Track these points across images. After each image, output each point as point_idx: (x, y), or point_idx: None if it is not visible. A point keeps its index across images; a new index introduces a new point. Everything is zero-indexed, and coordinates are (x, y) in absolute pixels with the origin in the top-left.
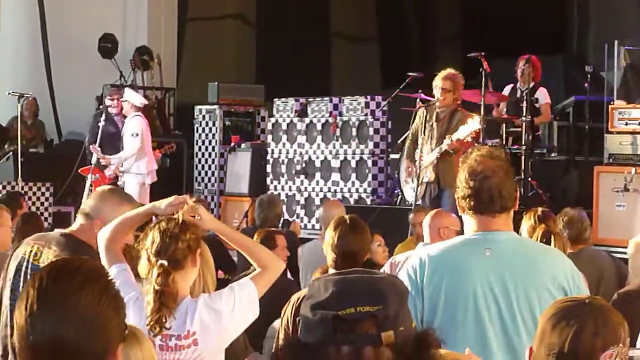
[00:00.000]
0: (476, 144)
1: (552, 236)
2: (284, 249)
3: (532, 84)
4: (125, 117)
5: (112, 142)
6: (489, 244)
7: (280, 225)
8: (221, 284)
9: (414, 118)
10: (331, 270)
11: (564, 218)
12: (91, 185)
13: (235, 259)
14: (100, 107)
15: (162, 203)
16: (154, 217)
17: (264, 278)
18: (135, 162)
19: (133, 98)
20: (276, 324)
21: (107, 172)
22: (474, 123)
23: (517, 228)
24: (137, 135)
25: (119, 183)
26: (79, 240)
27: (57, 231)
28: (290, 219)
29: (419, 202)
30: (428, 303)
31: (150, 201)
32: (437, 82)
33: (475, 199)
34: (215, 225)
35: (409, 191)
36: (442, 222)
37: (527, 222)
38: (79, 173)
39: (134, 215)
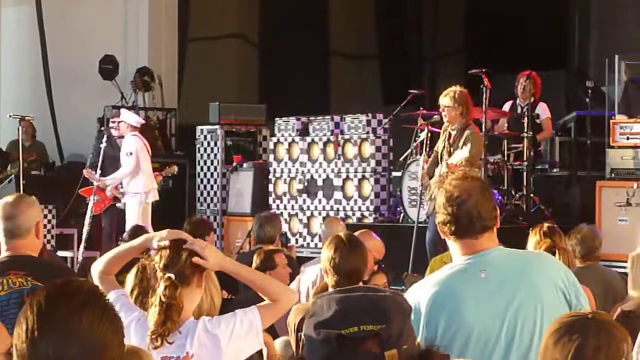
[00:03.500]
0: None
1: (557, 251)
2: (284, 266)
3: (532, 100)
4: (123, 135)
5: (114, 164)
6: (481, 266)
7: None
8: (225, 304)
9: (415, 136)
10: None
11: (578, 235)
12: (92, 207)
13: None
14: (102, 128)
15: (155, 237)
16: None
17: (272, 309)
18: (132, 181)
19: (129, 118)
20: (281, 340)
21: (107, 193)
22: (465, 150)
23: (523, 244)
24: (130, 154)
25: (118, 205)
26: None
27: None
28: (292, 238)
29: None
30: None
31: (152, 221)
32: (440, 101)
33: (456, 224)
34: (221, 265)
35: (425, 205)
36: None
37: (533, 238)
38: (80, 194)
39: (128, 248)
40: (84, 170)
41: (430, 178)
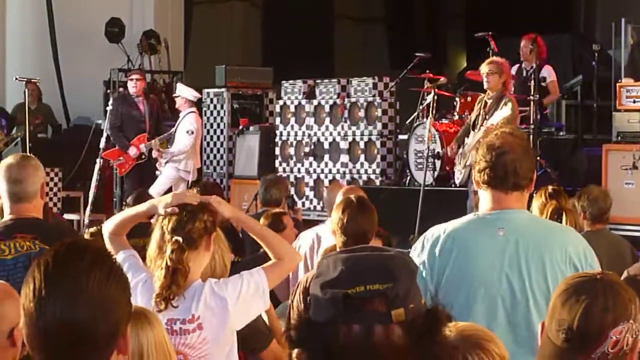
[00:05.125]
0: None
1: (564, 212)
2: (292, 228)
3: (537, 63)
4: (180, 110)
5: (134, 124)
6: (501, 224)
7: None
8: (232, 266)
9: (422, 99)
10: None
11: (589, 196)
12: (108, 169)
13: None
14: (120, 90)
15: (161, 203)
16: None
17: (277, 269)
18: (184, 160)
19: (185, 92)
20: (282, 305)
21: (131, 153)
22: (506, 109)
23: (528, 206)
24: (192, 133)
25: (157, 173)
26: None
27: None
28: (298, 201)
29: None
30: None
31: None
32: (482, 69)
33: (490, 172)
34: (234, 214)
35: (457, 173)
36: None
37: (537, 200)
38: (93, 157)
39: (135, 213)
40: (153, 142)
41: (459, 147)
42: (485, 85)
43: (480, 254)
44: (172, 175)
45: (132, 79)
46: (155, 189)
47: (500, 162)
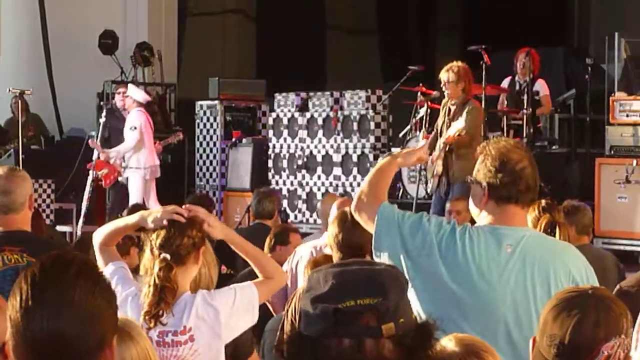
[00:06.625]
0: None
1: (558, 226)
2: (296, 247)
3: (531, 77)
4: (128, 111)
5: (120, 137)
6: (510, 240)
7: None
8: (223, 279)
9: (415, 112)
10: None
11: (570, 211)
12: (100, 181)
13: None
14: (102, 103)
15: (150, 217)
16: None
17: (266, 286)
18: (134, 156)
19: (135, 94)
20: (274, 318)
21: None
22: (459, 122)
23: None
24: (135, 128)
25: (120, 179)
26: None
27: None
28: (291, 214)
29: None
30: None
31: (159, 196)
32: (441, 76)
33: (511, 188)
34: (225, 234)
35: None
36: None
37: (531, 214)
38: (86, 169)
39: (124, 224)
40: (90, 141)
41: (431, 154)
42: (445, 95)
43: (483, 266)
44: (137, 179)
45: (118, 93)
46: (133, 200)
47: (523, 176)
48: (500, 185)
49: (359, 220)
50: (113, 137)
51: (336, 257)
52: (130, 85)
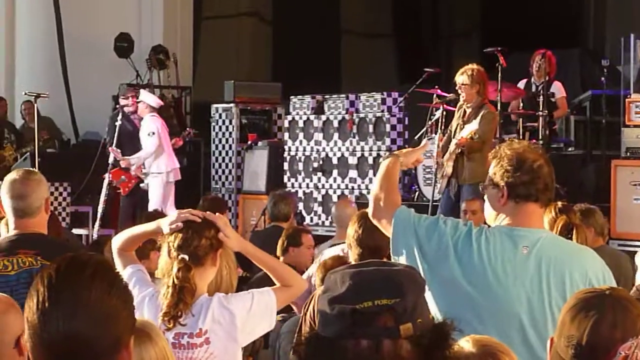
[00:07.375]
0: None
1: (575, 228)
2: (309, 247)
3: (547, 79)
4: (141, 116)
5: (131, 141)
6: (527, 242)
7: (295, 221)
8: (239, 282)
9: (430, 114)
10: None
11: (585, 214)
12: (115, 187)
13: None
14: (117, 106)
15: (166, 223)
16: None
17: (285, 293)
18: (154, 162)
19: (148, 99)
20: (291, 320)
21: (131, 173)
22: (473, 125)
23: None
24: (153, 134)
25: (142, 185)
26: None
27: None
28: (307, 216)
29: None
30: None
31: (176, 200)
32: (456, 79)
33: (530, 186)
34: (241, 247)
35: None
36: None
37: (547, 215)
38: (102, 175)
39: (143, 231)
40: (110, 148)
41: (443, 156)
42: (462, 99)
43: (499, 267)
44: (158, 184)
45: (126, 97)
46: (153, 205)
47: (540, 176)
48: (519, 184)
49: (377, 225)
50: (124, 141)
51: (355, 252)
52: (142, 91)
